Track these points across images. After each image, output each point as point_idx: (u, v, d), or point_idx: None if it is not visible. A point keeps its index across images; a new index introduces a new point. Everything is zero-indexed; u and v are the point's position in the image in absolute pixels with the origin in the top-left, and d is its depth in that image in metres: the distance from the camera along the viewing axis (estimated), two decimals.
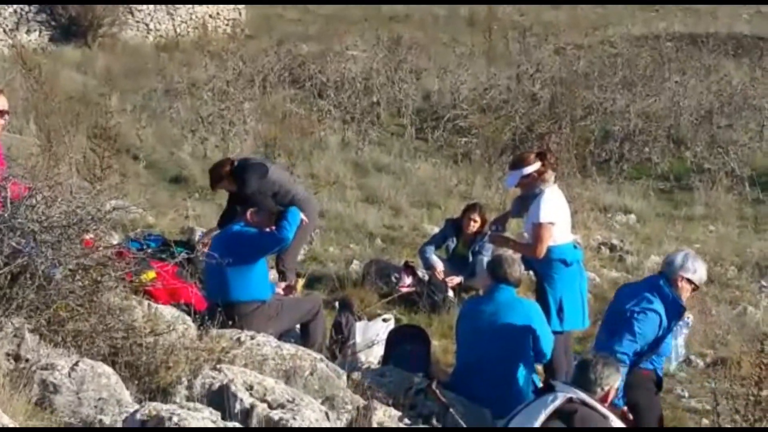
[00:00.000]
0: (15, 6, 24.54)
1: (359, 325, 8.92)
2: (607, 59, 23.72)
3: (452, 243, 11.02)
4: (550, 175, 8.50)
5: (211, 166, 10.67)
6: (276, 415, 5.27)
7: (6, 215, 5.85)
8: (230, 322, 7.18)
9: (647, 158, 17.82)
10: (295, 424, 5.13)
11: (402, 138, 18.82)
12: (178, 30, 27.96)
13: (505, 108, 19.43)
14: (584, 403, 5.10)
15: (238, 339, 6.63)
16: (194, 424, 4.36)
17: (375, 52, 22.97)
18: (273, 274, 9.75)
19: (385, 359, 8.17)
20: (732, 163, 16.97)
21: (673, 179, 17.09)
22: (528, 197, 8.50)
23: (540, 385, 7.46)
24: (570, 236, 8.79)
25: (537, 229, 8.18)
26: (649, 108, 19.43)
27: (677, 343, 8.14)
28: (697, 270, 7.41)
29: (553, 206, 8.30)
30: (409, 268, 11.09)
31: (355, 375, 6.90)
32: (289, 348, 6.81)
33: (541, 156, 8.73)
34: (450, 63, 23.15)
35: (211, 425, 4.42)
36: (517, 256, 8.36)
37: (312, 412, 5.40)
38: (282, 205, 9.25)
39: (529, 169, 8.40)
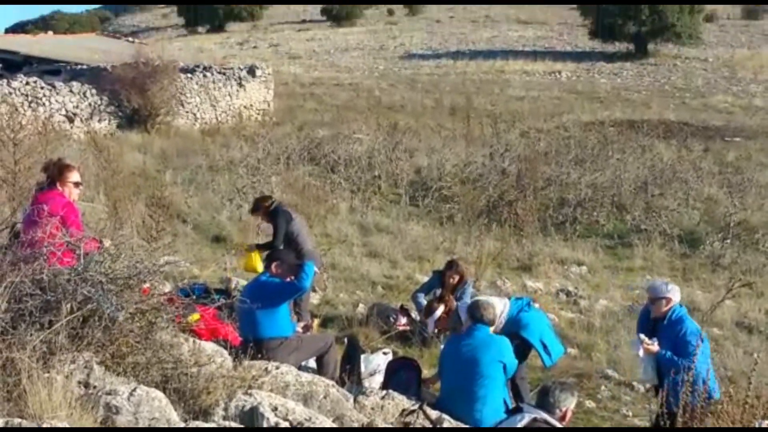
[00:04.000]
0: (90, 100, 24.71)
1: (364, 357, 8.86)
2: (562, 141, 23.91)
3: (438, 290, 10.97)
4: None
5: (256, 198, 11.45)
6: None
7: (80, 268, 5.85)
8: (259, 355, 7.13)
9: (595, 220, 17.81)
10: None
11: (398, 204, 18.82)
12: (219, 118, 28.16)
13: (480, 180, 19.48)
14: (546, 423, 5.06)
15: (266, 369, 6.59)
16: None
17: (376, 135, 23.15)
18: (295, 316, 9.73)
19: (385, 385, 8.09)
20: (664, 225, 16.95)
21: (617, 237, 17.04)
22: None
23: (512, 406, 7.41)
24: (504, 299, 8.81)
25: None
26: (596, 180, 19.49)
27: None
28: None
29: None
30: (404, 310, 11.06)
31: (361, 398, 6.83)
32: (306, 376, 6.77)
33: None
34: (436, 144, 23.32)
35: None
36: (492, 300, 8.27)
37: None
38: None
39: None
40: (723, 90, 40.54)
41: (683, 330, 7.49)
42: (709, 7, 66.46)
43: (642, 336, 7.57)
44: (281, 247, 10.16)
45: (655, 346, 7.47)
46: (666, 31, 52.11)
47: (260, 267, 9.49)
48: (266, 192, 16.50)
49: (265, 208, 10.55)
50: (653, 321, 7.78)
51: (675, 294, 7.67)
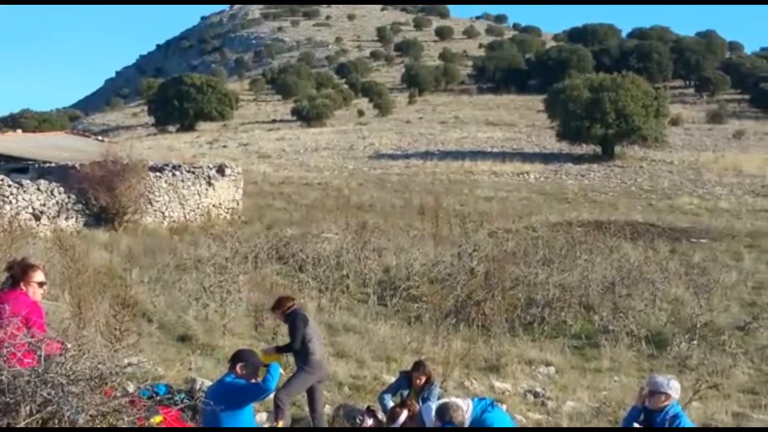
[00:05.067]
0: (58, 198, 24.75)
1: None
2: (531, 241, 24.15)
3: (405, 391, 10.95)
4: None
5: (280, 297, 11.43)
6: None
7: (40, 370, 5.83)
8: None
9: (563, 321, 17.87)
10: None
11: (366, 304, 18.81)
12: (187, 217, 28.24)
13: (449, 280, 19.54)
14: None
15: None
16: None
17: (345, 234, 23.27)
18: (260, 417, 9.66)
19: None
20: (631, 326, 17.02)
21: (584, 338, 17.08)
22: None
23: None
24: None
25: None
26: (564, 280, 19.62)
27: None
28: None
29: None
30: (371, 412, 10.99)
31: None
32: None
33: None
34: (405, 243, 23.47)
35: None
36: (461, 402, 8.29)
37: None
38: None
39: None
40: (689, 192, 41.34)
41: (680, 426, 7.63)
42: (674, 111, 68.27)
43: (637, 425, 7.70)
44: (298, 349, 10.39)
45: None
46: (632, 134, 53.36)
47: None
48: (233, 291, 16.53)
49: (287, 308, 10.74)
50: (647, 413, 7.89)
51: (675, 391, 7.89)
